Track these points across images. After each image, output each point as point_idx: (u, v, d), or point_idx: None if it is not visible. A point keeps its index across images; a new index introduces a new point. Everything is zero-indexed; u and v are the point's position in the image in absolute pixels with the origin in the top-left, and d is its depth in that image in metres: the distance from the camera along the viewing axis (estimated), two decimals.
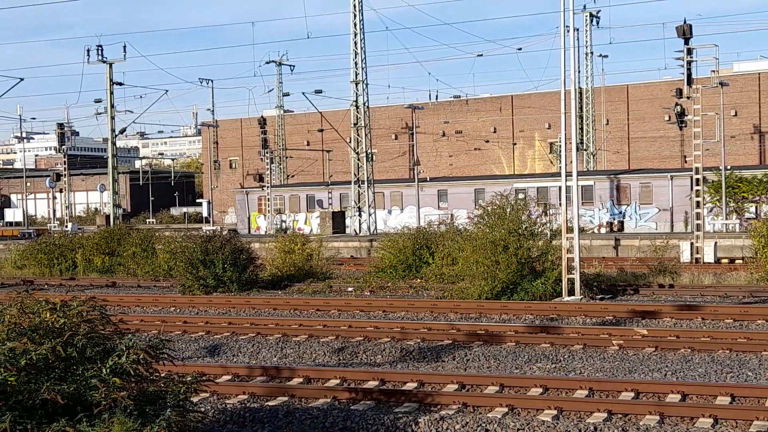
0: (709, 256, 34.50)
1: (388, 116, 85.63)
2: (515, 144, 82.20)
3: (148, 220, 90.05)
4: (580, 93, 70.74)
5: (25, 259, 37.66)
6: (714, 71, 43.93)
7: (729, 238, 39.77)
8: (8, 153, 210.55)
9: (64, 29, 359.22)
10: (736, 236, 40.46)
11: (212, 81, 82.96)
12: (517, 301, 22.65)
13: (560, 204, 26.51)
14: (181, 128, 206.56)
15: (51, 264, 36.48)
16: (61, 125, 67.91)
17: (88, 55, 58.59)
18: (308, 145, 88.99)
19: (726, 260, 35.17)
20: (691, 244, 35.05)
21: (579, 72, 68.38)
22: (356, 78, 53.98)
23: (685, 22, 36.36)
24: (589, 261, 30.81)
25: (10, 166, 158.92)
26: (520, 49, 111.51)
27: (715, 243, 35.57)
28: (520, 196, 27.53)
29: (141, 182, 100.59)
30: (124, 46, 59.31)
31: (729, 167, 51.64)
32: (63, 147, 66.99)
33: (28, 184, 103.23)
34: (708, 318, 19.63)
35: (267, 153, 72.14)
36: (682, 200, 52.00)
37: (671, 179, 54.83)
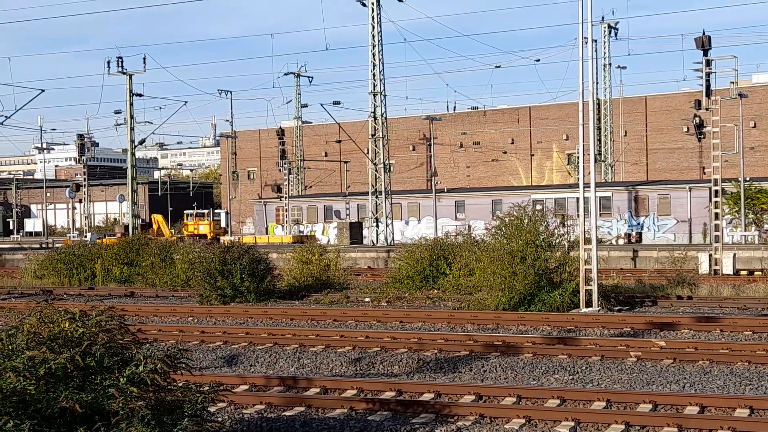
0: (727, 268, 34.32)
1: (406, 127, 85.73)
2: (533, 155, 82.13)
3: None
4: (599, 104, 70.61)
5: (45, 269, 37.84)
6: (733, 82, 43.81)
7: (748, 250, 39.56)
8: (29, 164, 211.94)
9: (84, 41, 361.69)
10: (755, 248, 40.25)
11: (231, 92, 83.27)
12: (535, 312, 22.59)
13: (578, 215, 26.46)
14: (199, 139, 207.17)
15: (70, 274, 36.63)
16: (81, 136, 68.33)
17: (108, 66, 58.95)
18: (326, 155, 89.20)
19: (745, 272, 34.98)
20: (710, 255, 34.89)
21: (597, 83, 68.35)
22: (374, 89, 54.10)
23: (704, 33, 36.30)
24: (606, 272, 30.71)
25: (31, 177, 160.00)
26: (538, 60, 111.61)
27: (734, 255, 35.40)
28: (538, 207, 27.50)
29: (160, 193, 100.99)
30: (144, 58, 59.44)
31: (748, 179, 51.41)
32: (83, 158, 67.39)
33: (48, 194, 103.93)
34: (727, 330, 19.52)
35: (285, 164, 72.35)
36: (701, 212, 51.79)
37: (690, 191, 54.65)
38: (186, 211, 77.72)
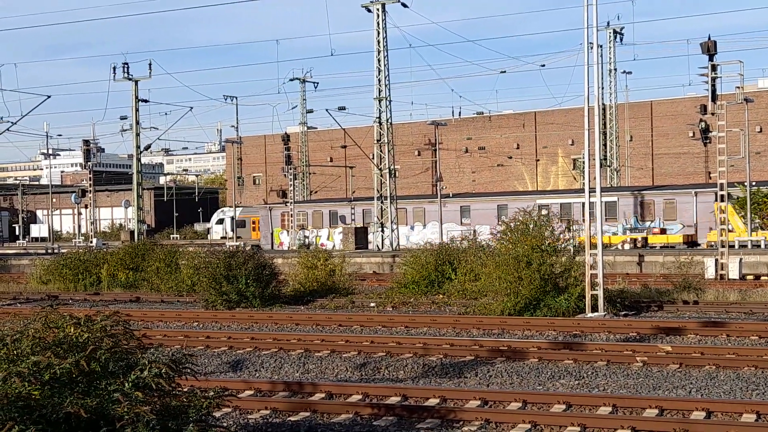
0: (734, 273, 34.23)
1: (411, 133, 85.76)
2: (538, 160, 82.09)
3: (172, 236, 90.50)
4: (604, 109, 70.56)
5: (50, 275, 37.89)
6: (739, 87, 43.67)
7: (754, 255, 39.45)
8: (35, 169, 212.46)
9: (90, 47, 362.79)
10: (761, 252, 40.14)
11: (236, 98, 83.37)
12: (540, 317, 22.56)
13: (584, 220, 26.41)
14: (205, 145, 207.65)
15: (76, 279, 36.67)
16: (86, 142, 68.54)
17: (114, 72, 59.10)
18: (331, 161, 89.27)
19: (751, 276, 34.90)
20: (716, 260, 34.81)
21: (603, 88, 68.30)
22: (380, 95, 54.11)
23: (709, 38, 36.26)
24: (612, 277, 30.66)
25: (37, 182, 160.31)
26: (543, 65, 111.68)
27: (740, 259, 35.31)
28: (543, 212, 27.43)
29: (165, 198, 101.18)
30: (150, 64, 59.57)
31: (754, 183, 51.29)
32: (89, 163, 67.58)
33: (54, 200, 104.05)
34: (733, 335, 19.47)
35: (290, 169, 72.36)
36: (707, 216, 51.66)
37: (695, 195, 54.50)
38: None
